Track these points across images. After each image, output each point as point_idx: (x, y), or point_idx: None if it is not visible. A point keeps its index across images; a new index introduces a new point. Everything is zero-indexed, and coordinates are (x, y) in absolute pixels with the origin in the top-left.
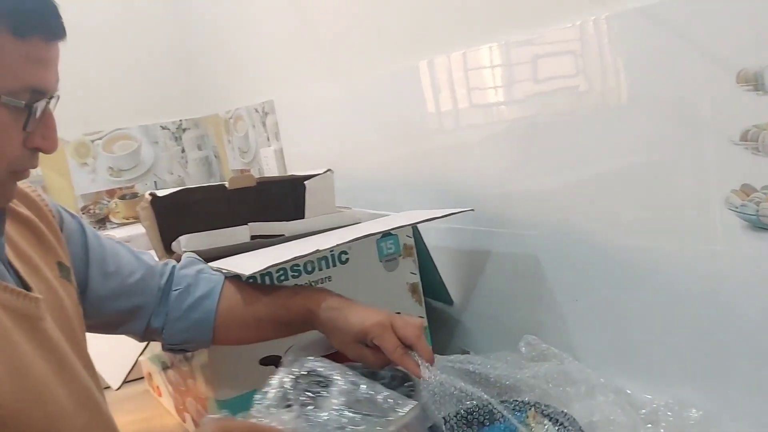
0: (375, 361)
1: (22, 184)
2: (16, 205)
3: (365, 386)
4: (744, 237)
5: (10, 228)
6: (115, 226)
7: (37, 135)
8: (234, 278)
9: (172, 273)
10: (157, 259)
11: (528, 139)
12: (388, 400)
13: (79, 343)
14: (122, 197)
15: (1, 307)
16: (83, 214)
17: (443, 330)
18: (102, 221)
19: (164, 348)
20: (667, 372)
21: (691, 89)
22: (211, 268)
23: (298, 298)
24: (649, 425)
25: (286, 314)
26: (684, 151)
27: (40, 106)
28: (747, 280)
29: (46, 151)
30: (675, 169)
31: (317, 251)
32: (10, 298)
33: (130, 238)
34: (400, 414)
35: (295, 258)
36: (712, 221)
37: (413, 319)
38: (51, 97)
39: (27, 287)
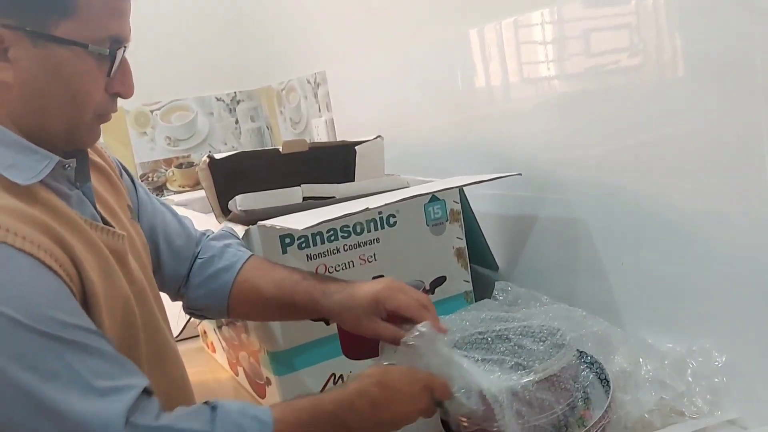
0: (392, 333)
1: None
2: (91, 154)
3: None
4: None
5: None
6: (172, 193)
7: (116, 81)
8: (257, 258)
9: (201, 242)
10: (201, 227)
11: (579, 105)
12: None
13: (151, 278)
14: (179, 166)
15: (103, 244)
16: (142, 181)
17: (489, 295)
18: (160, 189)
19: (185, 311)
20: (697, 325)
21: (746, 53)
22: (243, 245)
23: (305, 284)
24: (674, 373)
25: (291, 298)
26: (738, 117)
27: (119, 54)
28: None
29: (125, 96)
30: (729, 136)
31: (366, 209)
32: (104, 236)
33: (187, 202)
34: (559, 357)
35: (345, 215)
36: (763, 187)
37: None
38: (125, 46)
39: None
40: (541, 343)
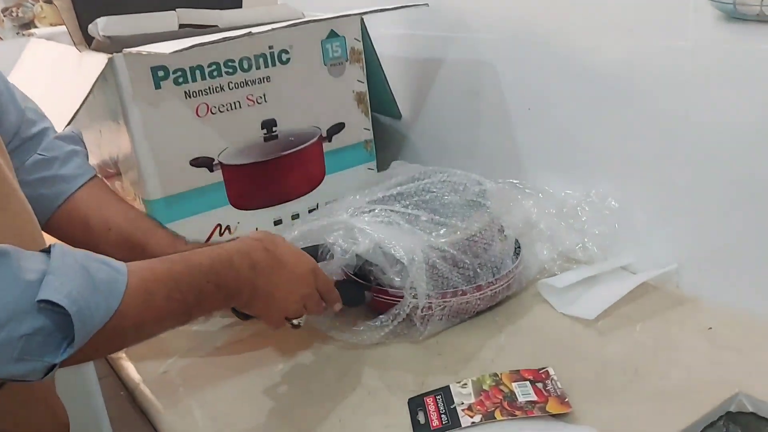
0: None
1: None
2: None
3: None
4: (717, 29)
5: None
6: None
7: None
8: (104, 182)
9: (43, 134)
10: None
11: None
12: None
13: None
14: (48, 1)
15: None
16: (5, 17)
17: (390, 146)
18: (27, 26)
19: None
20: (596, 171)
21: None
22: (87, 159)
23: (164, 231)
24: (571, 220)
25: (142, 238)
26: None
27: None
28: (712, 75)
29: None
30: None
31: (249, 34)
32: None
33: (52, 35)
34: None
35: (223, 39)
36: (683, 14)
37: None
38: None
39: None
40: (458, 197)
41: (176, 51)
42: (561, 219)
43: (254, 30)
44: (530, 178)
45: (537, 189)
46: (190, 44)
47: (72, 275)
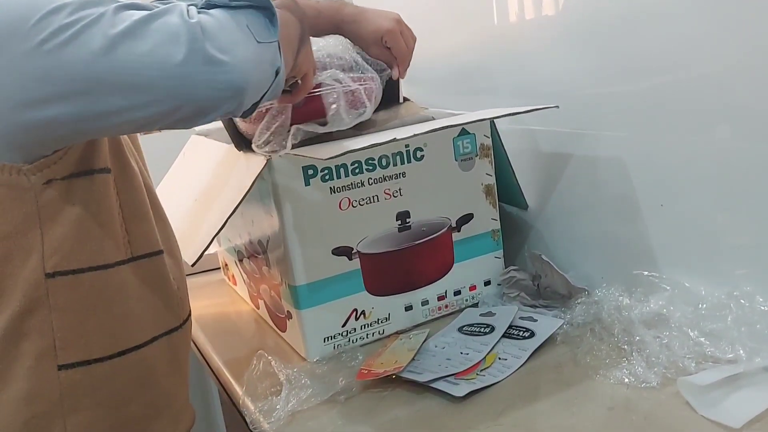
0: (389, 57)
1: None
2: None
3: None
4: None
5: None
6: None
7: None
8: None
9: None
10: None
11: (618, 37)
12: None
13: None
14: None
15: None
16: None
17: (516, 235)
18: None
19: None
20: (740, 269)
21: None
22: None
23: (324, 17)
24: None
25: (314, 32)
26: None
27: None
28: None
29: None
30: None
31: (394, 140)
32: None
33: (208, 132)
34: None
35: (371, 146)
36: None
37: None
38: None
39: None
40: None
41: (331, 158)
42: (701, 317)
43: (398, 136)
44: (665, 272)
45: (672, 284)
46: (342, 151)
47: None
